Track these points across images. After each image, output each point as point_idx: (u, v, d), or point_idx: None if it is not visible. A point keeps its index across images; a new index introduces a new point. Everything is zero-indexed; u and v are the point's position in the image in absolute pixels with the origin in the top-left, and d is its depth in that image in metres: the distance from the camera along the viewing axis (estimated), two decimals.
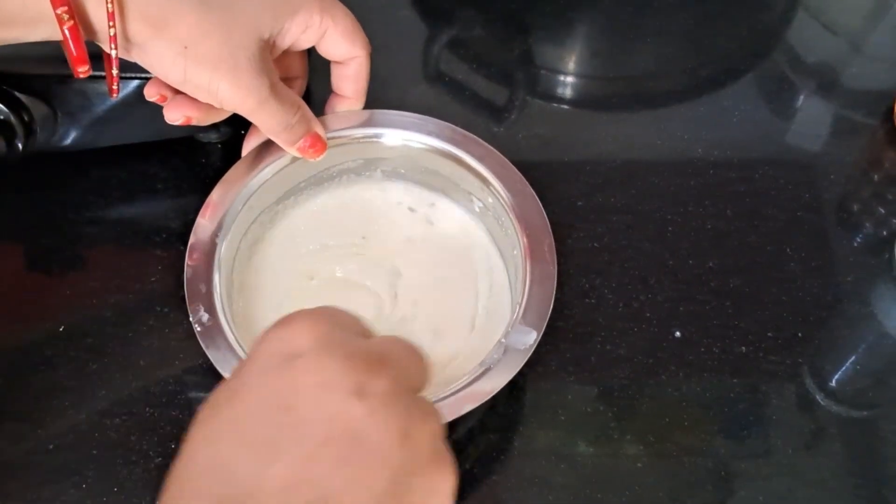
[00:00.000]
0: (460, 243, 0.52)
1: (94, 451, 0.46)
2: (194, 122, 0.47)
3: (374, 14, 0.55)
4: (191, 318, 0.44)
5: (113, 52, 0.42)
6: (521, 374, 0.49)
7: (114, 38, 0.41)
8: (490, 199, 0.50)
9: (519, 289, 0.46)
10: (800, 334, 0.52)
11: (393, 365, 0.31)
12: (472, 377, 0.43)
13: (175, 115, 0.46)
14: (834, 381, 0.50)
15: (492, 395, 0.42)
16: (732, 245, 0.55)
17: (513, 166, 0.50)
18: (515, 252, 0.48)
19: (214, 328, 0.44)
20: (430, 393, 0.43)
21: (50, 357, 0.49)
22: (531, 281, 0.46)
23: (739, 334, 0.51)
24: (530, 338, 0.44)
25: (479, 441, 0.47)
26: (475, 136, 0.51)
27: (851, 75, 0.65)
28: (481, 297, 0.50)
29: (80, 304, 0.51)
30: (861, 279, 0.54)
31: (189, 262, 0.46)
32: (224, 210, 0.48)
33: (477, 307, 0.50)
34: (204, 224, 0.47)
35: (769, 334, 0.51)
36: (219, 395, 0.31)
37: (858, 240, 0.56)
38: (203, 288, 0.45)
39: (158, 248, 0.53)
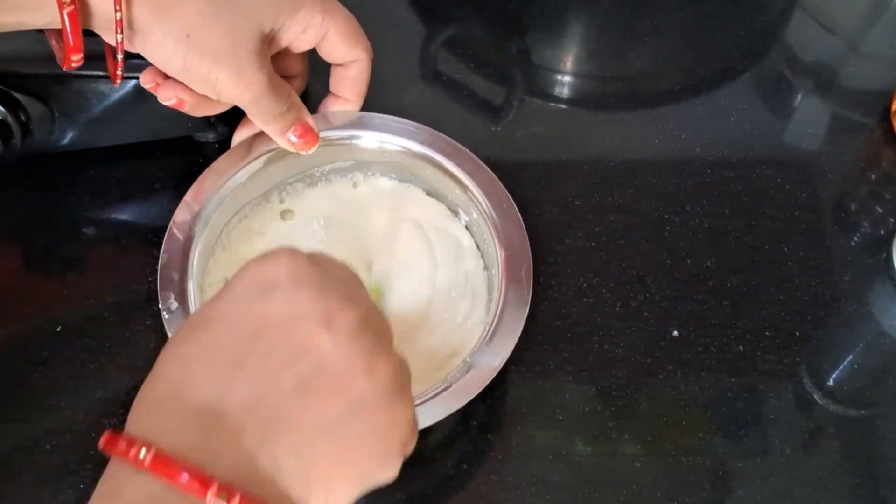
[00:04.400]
0: (446, 253, 0.52)
1: (92, 452, 0.46)
2: (186, 108, 0.47)
3: (372, 14, 0.55)
4: (160, 306, 0.44)
5: (119, 37, 0.42)
6: (519, 373, 0.49)
7: (120, 23, 0.41)
8: (475, 215, 0.50)
9: (492, 309, 0.46)
10: (797, 333, 0.52)
11: (363, 304, 0.33)
12: (433, 392, 0.42)
13: (168, 94, 0.46)
14: (832, 381, 0.50)
15: (449, 415, 0.42)
16: (730, 244, 0.55)
17: (500, 184, 0.50)
18: (494, 272, 0.48)
19: (182, 316, 0.44)
20: None
21: (47, 357, 0.49)
22: (504, 303, 0.45)
23: (737, 333, 0.51)
24: (495, 360, 0.44)
25: (477, 440, 0.47)
26: (467, 150, 0.51)
27: (849, 75, 0.65)
28: (460, 309, 0.49)
29: (78, 303, 0.51)
30: (858, 278, 0.54)
31: (173, 224, 0.46)
32: (206, 199, 0.48)
33: (455, 318, 0.49)
34: (188, 205, 0.48)
35: (767, 333, 0.51)
36: (195, 318, 0.32)
37: (856, 239, 0.56)
38: (175, 276, 0.46)
39: (156, 247, 0.52)
